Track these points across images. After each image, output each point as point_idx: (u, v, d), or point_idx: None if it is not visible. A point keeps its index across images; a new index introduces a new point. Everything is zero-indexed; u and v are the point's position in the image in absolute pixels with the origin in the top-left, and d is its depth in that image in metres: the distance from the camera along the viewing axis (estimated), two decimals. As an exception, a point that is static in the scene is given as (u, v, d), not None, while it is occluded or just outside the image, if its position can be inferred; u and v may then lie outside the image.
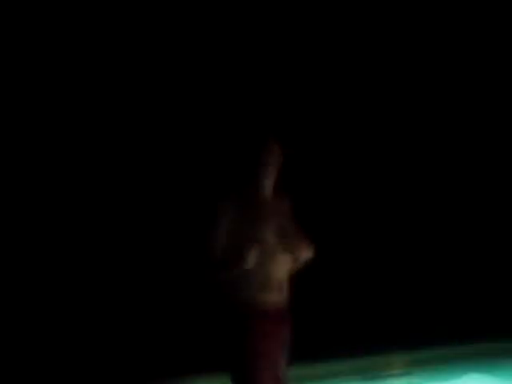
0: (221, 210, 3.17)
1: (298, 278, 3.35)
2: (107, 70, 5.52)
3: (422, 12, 6.78)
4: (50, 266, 5.28)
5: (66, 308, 5.22)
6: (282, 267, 3.23)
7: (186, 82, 5.73)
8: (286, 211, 3.36)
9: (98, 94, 5.49)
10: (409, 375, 5.12)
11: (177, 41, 5.74)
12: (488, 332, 5.72)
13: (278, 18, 6.10)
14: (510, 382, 5.09)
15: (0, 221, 5.17)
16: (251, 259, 3.05)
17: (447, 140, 7.02)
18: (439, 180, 7.00)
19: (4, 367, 4.52)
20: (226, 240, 3.13)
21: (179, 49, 5.74)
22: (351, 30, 6.51)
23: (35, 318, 5.07)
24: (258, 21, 6.03)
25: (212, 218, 3.18)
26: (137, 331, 5.21)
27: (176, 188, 5.65)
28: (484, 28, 6.85)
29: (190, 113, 5.75)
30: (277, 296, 3.22)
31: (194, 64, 5.77)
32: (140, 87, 5.64)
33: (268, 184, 3.27)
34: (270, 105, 5.82)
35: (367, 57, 6.62)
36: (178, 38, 5.75)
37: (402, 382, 5.09)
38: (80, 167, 5.48)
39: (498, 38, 6.87)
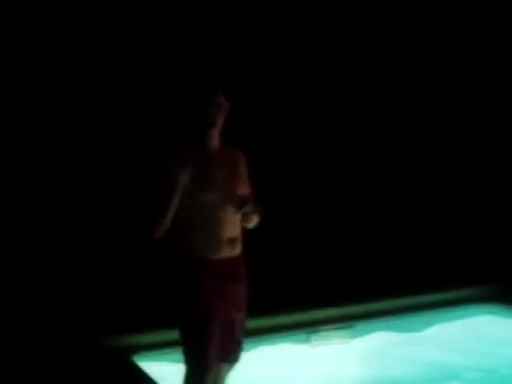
0: (172, 159, 3.10)
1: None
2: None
3: (417, 11, 6.79)
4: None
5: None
6: (232, 222, 3.20)
7: (132, 37, 5.65)
8: (235, 162, 3.31)
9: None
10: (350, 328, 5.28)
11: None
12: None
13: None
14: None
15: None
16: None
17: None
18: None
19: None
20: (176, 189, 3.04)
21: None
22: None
23: None
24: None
25: (163, 166, 3.11)
26: (86, 288, 5.22)
27: (122, 141, 5.61)
28: (484, 28, 6.88)
29: (138, 65, 5.68)
30: (227, 252, 3.19)
31: (141, 18, 5.68)
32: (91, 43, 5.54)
33: (214, 134, 3.22)
34: (216, 55, 5.80)
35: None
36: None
37: (345, 334, 5.25)
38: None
39: (498, 38, 6.90)
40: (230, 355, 3.33)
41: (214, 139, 3.23)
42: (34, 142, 5.36)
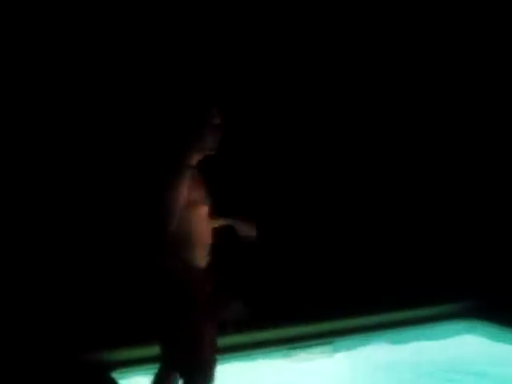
0: (182, 173, 3.26)
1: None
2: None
3: (417, 11, 6.83)
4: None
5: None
6: (210, 233, 3.48)
7: (128, 47, 5.67)
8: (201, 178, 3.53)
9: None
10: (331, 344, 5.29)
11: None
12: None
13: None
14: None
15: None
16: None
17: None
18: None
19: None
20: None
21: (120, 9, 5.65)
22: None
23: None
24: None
25: (171, 183, 3.25)
26: (67, 304, 5.19)
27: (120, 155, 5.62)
28: (484, 28, 6.89)
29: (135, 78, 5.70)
30: (206, 255, 3.45)
31: (138, 28, 5.70)
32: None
33: (204, 154, 3.43)
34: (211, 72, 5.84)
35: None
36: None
37: (326, 350, 5.25)
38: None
39: (498, 38, 6.91)
40: None
41: (199, 159, 3.45)
42: (34, 146, 5.36)
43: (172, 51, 5.79)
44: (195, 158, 3.40)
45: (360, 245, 6.67)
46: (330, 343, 5.26)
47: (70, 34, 5.46)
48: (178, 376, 3.48)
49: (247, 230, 3.76)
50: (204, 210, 3.40)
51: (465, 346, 5.47)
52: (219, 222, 3.69)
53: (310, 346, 5.21)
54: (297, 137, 6.46)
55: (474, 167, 7.07)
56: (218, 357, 3.46)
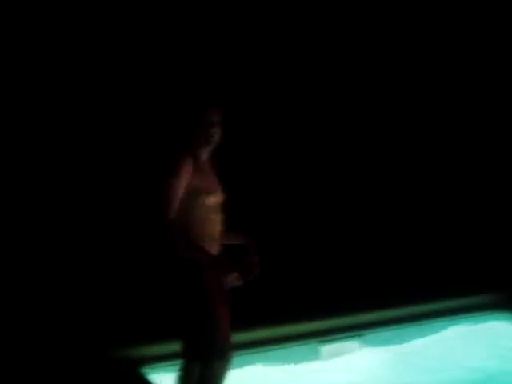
0: (182, 162, 3.39)
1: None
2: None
3: (418, 11, 6.80)
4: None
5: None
6: (220, 223, 3.58)
7: (132, 47, 5.67)
8: (214, 171, 3.65)
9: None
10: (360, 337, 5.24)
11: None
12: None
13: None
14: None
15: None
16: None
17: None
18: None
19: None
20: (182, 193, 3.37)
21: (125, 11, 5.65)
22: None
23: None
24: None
25: (171, 172, 3.38)
26: (95, 299, 5.21)
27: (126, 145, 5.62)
28: (484, 28, 6.91)
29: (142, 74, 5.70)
30: (218, 245, 3.55)
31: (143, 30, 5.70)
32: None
33: (208, 148, 3.56)
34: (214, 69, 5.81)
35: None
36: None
37: (355, 343, 5.19)
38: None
39: (498, 38, 6.93)
40: None
41: (208, 152, 3.59)
42: (39, 145, 5.40)
43: (174, 47, 5.79)
44: (199, 149, 3.51)
45: (390, 236, 6.63)
46: (360, 336, 5.21)
47: (73, 34, 5.47)
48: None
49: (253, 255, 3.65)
50: (213, 199, 3.49)
51: (498, 337, 5.40)
52: (231, 239, 3.71)
53: (339, 339, 5.16)
54: (297, 136, 6.43)
55: (498, 156, 7.01)
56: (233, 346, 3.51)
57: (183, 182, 3.38)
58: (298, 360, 4.92)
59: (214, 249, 3.51)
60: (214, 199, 3.52)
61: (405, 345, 5.27)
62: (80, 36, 5.49)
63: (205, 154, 3.57)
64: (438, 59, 6.96)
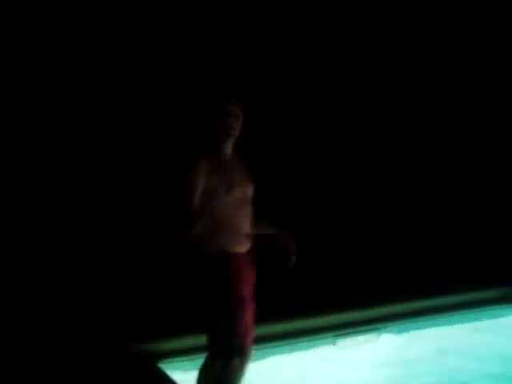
0: (196, 163, 3.39)
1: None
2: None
3: (417, 11, 6.77)
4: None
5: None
6: (248, 220, 3.54)
7: (151, 50, 5.67)
8: (243, 166, 3.62)
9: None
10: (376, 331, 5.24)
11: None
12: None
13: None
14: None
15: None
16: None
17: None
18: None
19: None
20: (200, 192, 3.36)
21: (139, 12, 5.65)
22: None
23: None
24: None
25: (187, 172, 3.38)
26: (112, 294, 5.24)
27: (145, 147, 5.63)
28: (484, 28, 6.87)
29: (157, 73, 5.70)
30: (246, 247, 3.52)
31: (159, 29, 5.70)
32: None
33: (231, 142, 3.55)
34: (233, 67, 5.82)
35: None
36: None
37: (371, 337, 5.20)
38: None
39: (498, 38, 6.91)
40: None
41: (230, 146, 3.57)
42: (45, 146, 5.40)
43: (190, 45, 5.79)
44: (219, 142, 3.50)
45: (407, 231, 6.62)
46: (376, 330, 5.22)
47: (87, 34, 5.48)
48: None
49: (289, 244, 3.69)
50: (236, 194, 3.44)
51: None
52: (262, 229, 3.68)
53: (354, 333, 5.17)
54: (297, 135, 6.40)
55: (500, 155, 7.08)
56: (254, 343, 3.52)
57: (201, 180, 3.35)
58: (312, 354, 4.93)
59: (242, 243, 3.50)
60: (238, 194, 3.46)
61: (421, 337, 5.27)
62: (93, 34, 5.49)
63: (227, 148, 3.54)
64: (438, 59, 6.92)
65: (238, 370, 3.46)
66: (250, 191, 3.58)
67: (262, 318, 3.58)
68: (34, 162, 5.35)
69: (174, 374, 4.26)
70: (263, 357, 4.50)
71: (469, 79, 6.97)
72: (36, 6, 5.27)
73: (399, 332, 5.30)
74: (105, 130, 5.55)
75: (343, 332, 5.13)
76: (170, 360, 4.52)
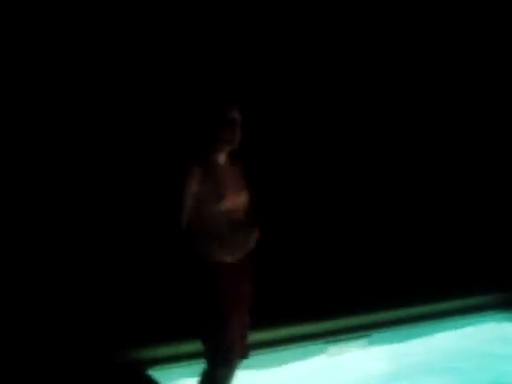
0: (188, 172, 3.33)
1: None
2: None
3: (417, 11, 6.79)
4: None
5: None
6: (242, 228, 3.44)
7: (148, 50, 5.67)
8: (238, 173, 3.56)
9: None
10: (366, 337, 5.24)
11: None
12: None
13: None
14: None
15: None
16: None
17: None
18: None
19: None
20: (191, 201, 3.32)
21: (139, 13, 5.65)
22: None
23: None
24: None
25: (178, 181, 3.34)
26: (101, 301, 5.22)
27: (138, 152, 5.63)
28: (484, 28, 6.90)
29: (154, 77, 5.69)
30: (237, 254, 3.43)
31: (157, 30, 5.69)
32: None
33: (226, 151, 3.47)
34: (230, 70, 5.82)
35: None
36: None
37: (362, 343, 5.20)
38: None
39: (498, 39, 6.93)
40: (243, 351, 3.55)
41: (225, 154, 3.49)
42: (45, 148, 5.37)
43: (189, 47, 5.78)
44: (218, 151, 3.44)
45: (392, 238, 6.63)
46: (366, 337, 5.22)
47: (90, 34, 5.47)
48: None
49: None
50: (229, 202, 3.37)
51: (499, 338, 5.41)
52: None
53: (345, 340, 5.16)
54: (297, 135, 6.40)
55: (498, 158, 7.07)
56: (245, 349, 3.53)
57: (192, 187, 3.31)
58: (304, 360, 4.92)
59: (234, 253, 3.41)
60: (231, 203, 3.39)
61: (409, 345, 5.28)
62: (93, 35, 5.48)
63: (221, 157, 3.47)
64: (438, 59, 6.94)
65: (223, 379, 3.41)
66: (243, 200, 3.50)
67: (252, 324, 3.57)
68: (24, 164, 5.32)
69: (163, 381, 4.24)
70: (252, 364, 4.49)
71: (469, 79, 6.99)
72: (36, 5, 5.26)
73: (391, 339, 5.29)
74: (97, 132, 5.53)
75: (334, 339, 5.13)
76: (159, 367, 4.49)
